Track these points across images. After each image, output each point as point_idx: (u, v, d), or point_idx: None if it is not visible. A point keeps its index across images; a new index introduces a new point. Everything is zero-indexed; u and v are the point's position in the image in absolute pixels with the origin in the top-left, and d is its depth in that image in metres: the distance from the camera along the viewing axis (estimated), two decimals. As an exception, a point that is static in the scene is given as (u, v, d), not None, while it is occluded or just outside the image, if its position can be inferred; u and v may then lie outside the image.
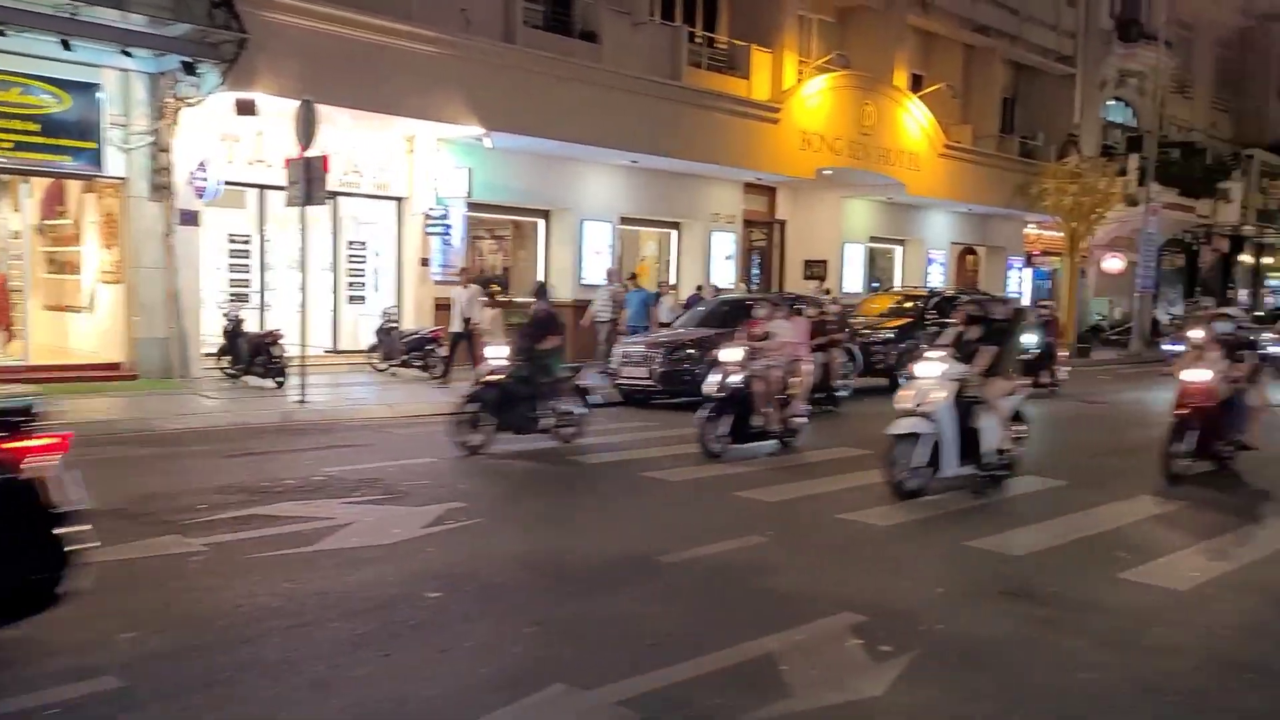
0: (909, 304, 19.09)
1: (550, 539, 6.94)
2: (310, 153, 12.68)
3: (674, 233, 22.26)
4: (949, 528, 7.56)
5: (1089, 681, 4.68)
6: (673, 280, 22.12)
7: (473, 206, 18.06)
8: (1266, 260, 46.31)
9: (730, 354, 10.41)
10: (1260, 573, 6.63)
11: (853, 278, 25.67)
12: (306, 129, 12.62)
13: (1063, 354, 18.63)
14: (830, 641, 5.09)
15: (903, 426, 8.28)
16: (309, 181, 12.55)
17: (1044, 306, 19.87)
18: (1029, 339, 17.10)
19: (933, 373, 8.43)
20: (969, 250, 31.21)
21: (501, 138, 16.88)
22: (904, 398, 8.60)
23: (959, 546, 7.05)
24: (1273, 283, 51.67)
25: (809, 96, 21.92)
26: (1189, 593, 6.16)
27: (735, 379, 10.19)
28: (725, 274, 22.45)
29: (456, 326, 15.41)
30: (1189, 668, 4.93)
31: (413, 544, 6.56)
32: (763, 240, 24.81)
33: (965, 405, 8.43)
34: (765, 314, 10.97)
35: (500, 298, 18.23)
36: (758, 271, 24.80)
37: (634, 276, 17.30)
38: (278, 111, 13.82)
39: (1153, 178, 31.35)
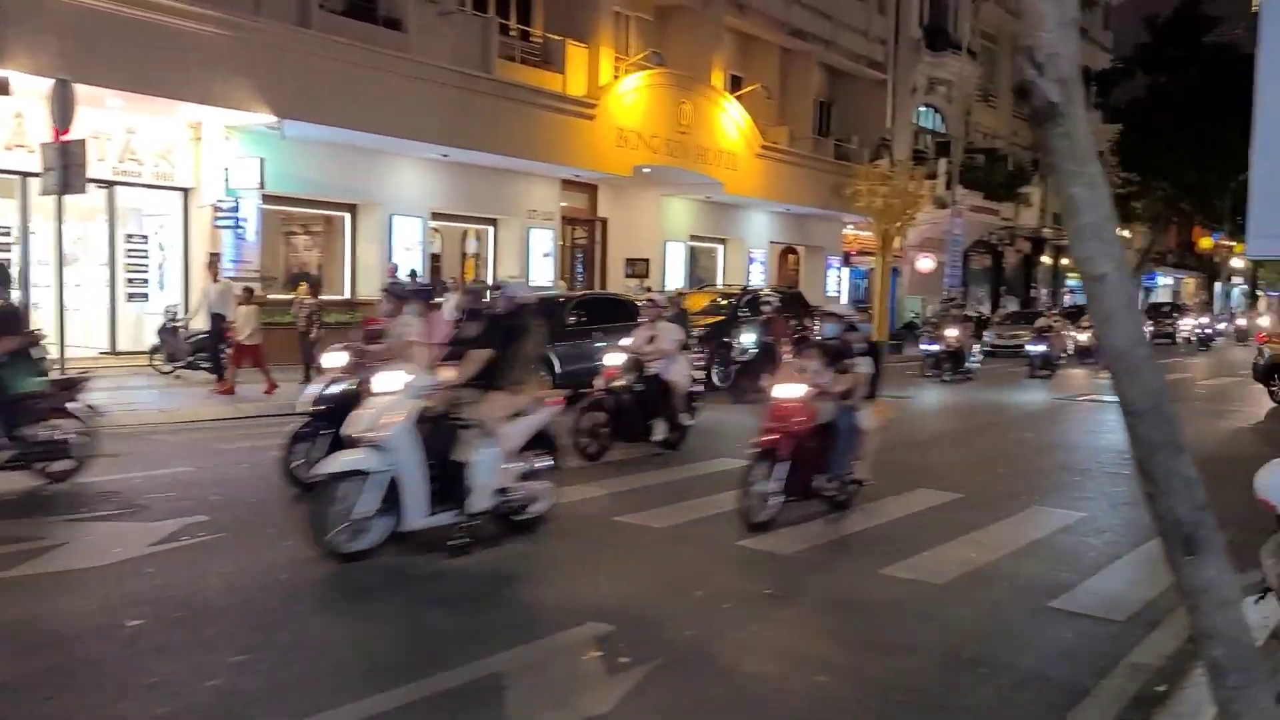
0: (724, 302, 19.23)
1: (296, 552, 6.41)
2: (69, 136, 11.63)
3: (491, 229, 21.75)
4: (726, 529, 7.43)
5: (822, 685, 4.56)
6: (490, 278, 21.66)
7: (270, 199, 17.08)
8: (1065, 261, 49.41)
9: (332, 359, 8.14)
10: (1015, 564, 6.74)
11: (675, 276, 25.76)
12: (63, 111, 11.59)
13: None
14: (567, 656, 4.81)
15: (338, 463, 6.05)
16: (66, 168, 11.52)
17: (765, 302, 17.77)
18: (748, 338, 16.80)
19: (392, 385, 6.26)
20: (790, 250, 31.92)
21: (297, 127, 16.01)
22: (356, 420, 6.25)
23: (732, 547, 6.91)
24: (1072, 282, 55.29)
25: (625, 94, 21.82)
26: (946, 585, 6.19)
27: (336, 389, 7.85)
28: (544, 272, 22.10)
29: (202, 323, 14.48)
30: (926, 664, 4.88)
31: (131, 565, 5.93)
32: (584, 238, 24.60)
33: (446, 430, 6.40)
34: (389, 309, 8.51)
35: (310, 294, 17.25)
36: (582, 270, 24.59)
37: (413, 274, 16.09)
38: (38, 92, 12.66)
39: (959, 182, 32.92)
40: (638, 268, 24.55)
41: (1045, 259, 46.72)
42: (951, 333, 20.08)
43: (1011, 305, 42.09)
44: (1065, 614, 5.67)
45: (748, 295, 19.37)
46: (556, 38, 21.70)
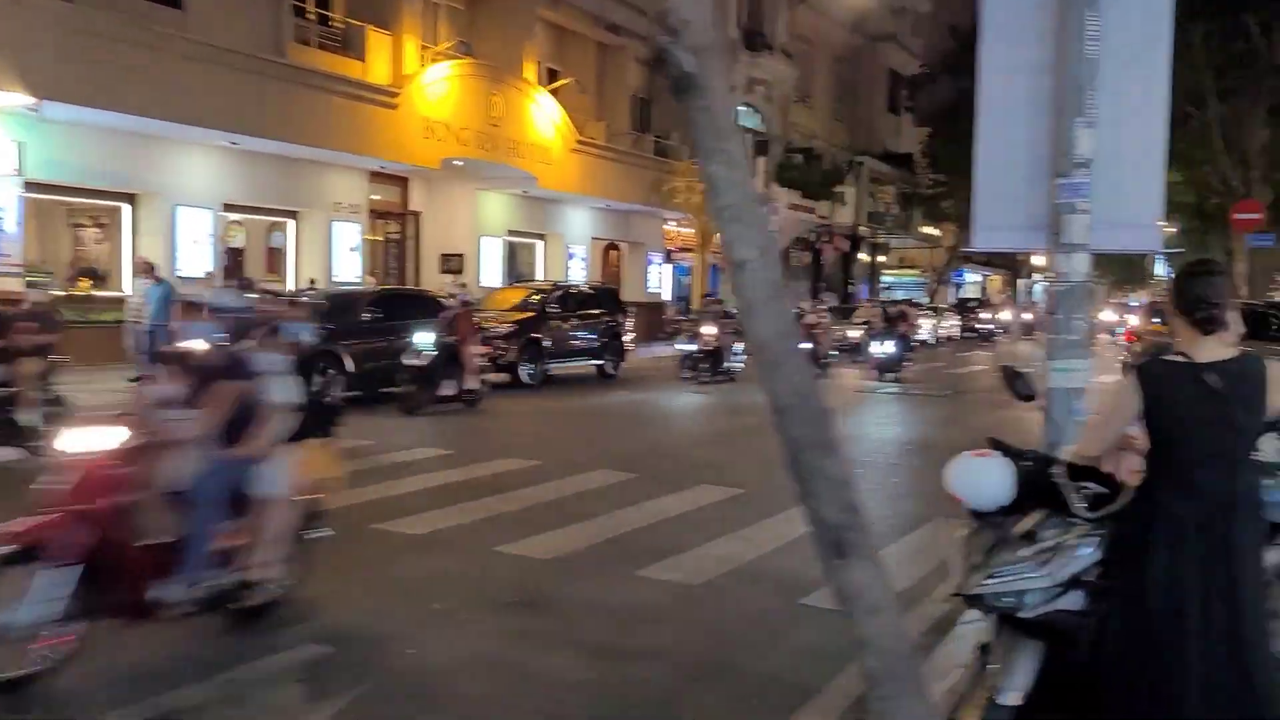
0: (536, 297, 18.89)
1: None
2: None
3: (291, 223, 20.69)
4: (489, 531, 7.09)
5: (549, 701, 4.28)
6: (292, 274, 20.63)
7: (37, 188, 15.68)
8: (881, 258, 51.41)
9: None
10: (779, 560, 6.67)
11: (491, 272, 25.23)
12: None
13: (480, 357, 14.61)
14: (269, 685, 4.38)
15: None
16: None
17: (451, 296, 16.18)
18: (423, 339, 13.70)
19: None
20: (612, 246, 31.84)
21: (60, 109, 14.72)
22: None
23: (489, 553, 6.59)
24: (888, 279, 57.60)
25: (432, 83, 21.15)
26: (704, 585, 6.04)
27: None
28: (351, 267, 21.22)
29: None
30: (665, 672, 4.69)
31: None
32: (396, 233, 23.77)
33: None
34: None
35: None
36: (396, 265, 23.77)
37: (151, 268, 14.35)
38: None
39: (778, 180, 33.70)
40: (452, 263, 23.92)
41: (863, 256, 48.39)
42: (709, 331, 18.57)
43: (830, 301, 43.39)
44: (815, 611, 5.59)
45: (558, 291, 19.10)
46: (357, 23, 20.82)
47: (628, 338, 19.97)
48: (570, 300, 19.02)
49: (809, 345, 19.50)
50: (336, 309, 14.55)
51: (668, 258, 33.74)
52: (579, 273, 28.21)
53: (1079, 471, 3.30)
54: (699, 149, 2.40)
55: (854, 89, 46.00)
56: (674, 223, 32.50)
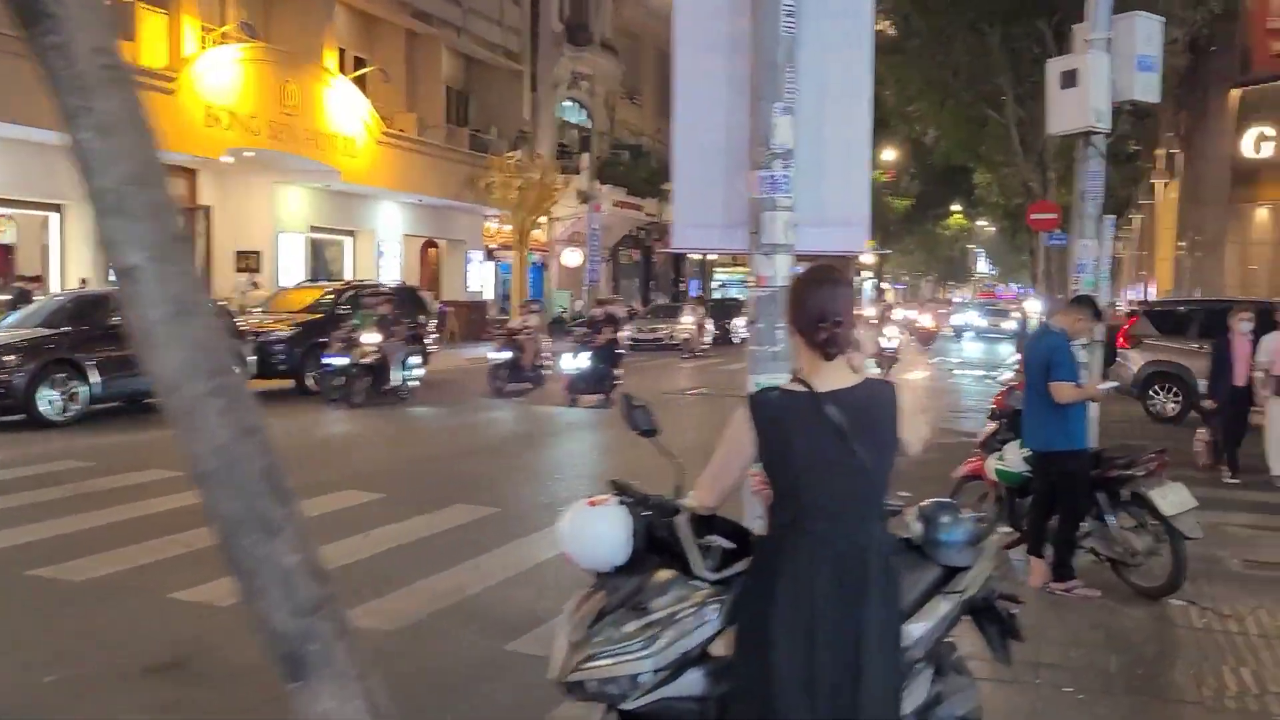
0: (329, 298, 17.70)
1: None
2: None
3: (55, 216, 18.82)
4: (173, 572, 6.15)
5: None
6: (56, 272, 18.80)
7: None
8: (712, 256, 51.70)
9: None
10: (504, 593, 5.99)
11: (292, 270, 23.74)
12: None
13: None
14: None
15: None
16: None
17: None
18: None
19: None
20: (430, 243, 30.67)
21: None
22: None
23: (162, 602, 5.66)
24: (721, 277, 58.14)
25: (215, 67, 19.61)
26: (401, 631, 5.30)
27: None
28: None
29: None
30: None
31: None
32: (183, 229, 22.03)
33: None
34: None
35: None
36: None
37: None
38: None
39: (598, 176, 33.19)
40: (249, 261, 22.40)
41: (695, 255, 48.55)
42: (370, 340, 14.78)
43: (661, 299, 43.33)
44: (520, 657, 4.94)
45: (350, 290, 17.95)
46: (126, 0, 19.09)
47: (430, 340, 18.98)
48: (365, 301, 17.90)
49: (509, 354, 16.16)
50: (80, 312, 13.09)
51: (489, 256, 32.81)
52: (392, 271, 26.95)
53: (708, 522, 2.72)
54: (59, 108, 1.65)
55: (682, 87, 46.00)
56: (497, 220, 31.62)
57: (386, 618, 5.48)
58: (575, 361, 15.65)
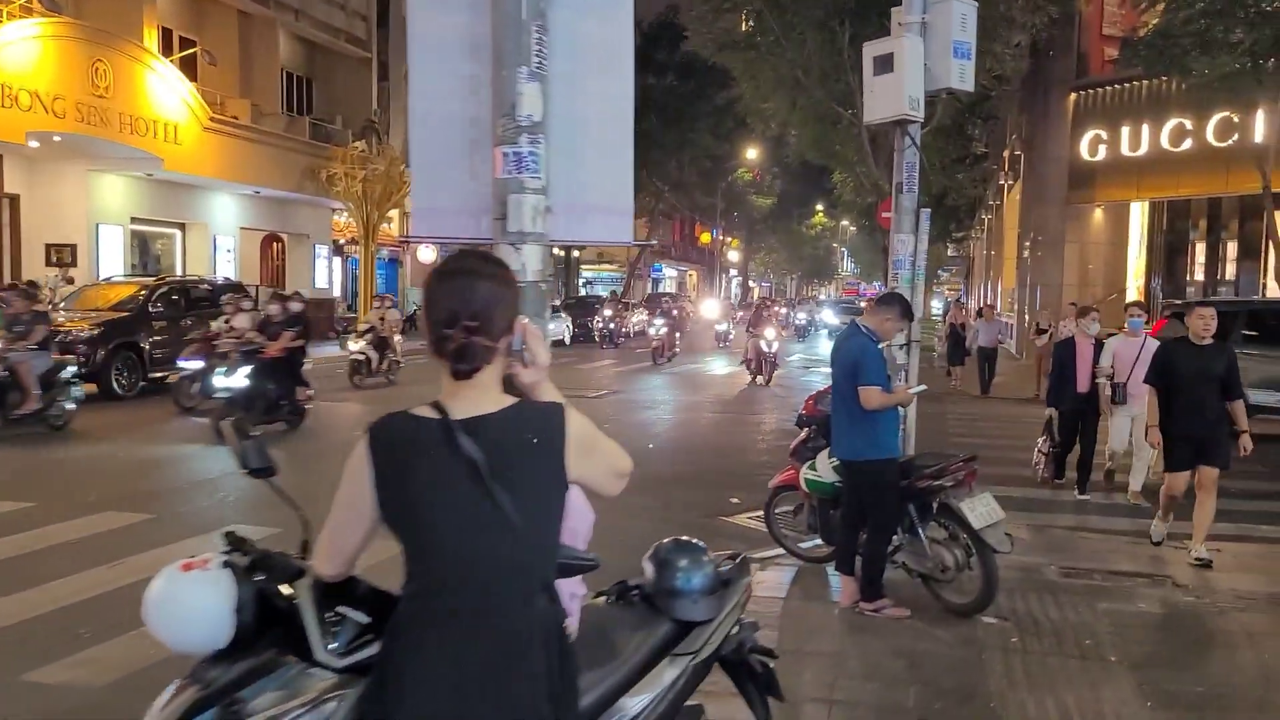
0: (143, 294, 16.37)
1: None
2: None
3: None
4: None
5: None
6: None
7: None
8: (575, 253, 51.14)
9: None
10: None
11: (113, 264, 22.02)
12: None
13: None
14: None
15: None
16: None
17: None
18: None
19: None
20: (274, 237, 29.12)
21: None
22: None
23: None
24: (587, 274, 57.73)
25: (10, 43, 17.91)
26: (109, 687, 4.50)
27: None
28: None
29: None
30: None
31: None
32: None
33: None
34: None
35: None
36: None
37: None
38: None
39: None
40: (62, 254, 20.68)
41: (557, 251, 47.93)
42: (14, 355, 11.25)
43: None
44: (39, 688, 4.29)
45: (165, 287, 16.65)
46: (-93, -35, 17.28)
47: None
48: (184, 298, 16.66)
49: (198, 364, 12.69)
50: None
51: (338, 250, 31.43)
52: (227, 266, 25.40)
53: (343, 587, 2.09)
54: None
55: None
56: (347, 214, 30.28)
57: (97, 671, 4.67)
58: (229, 380, 11.36)
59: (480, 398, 1.87)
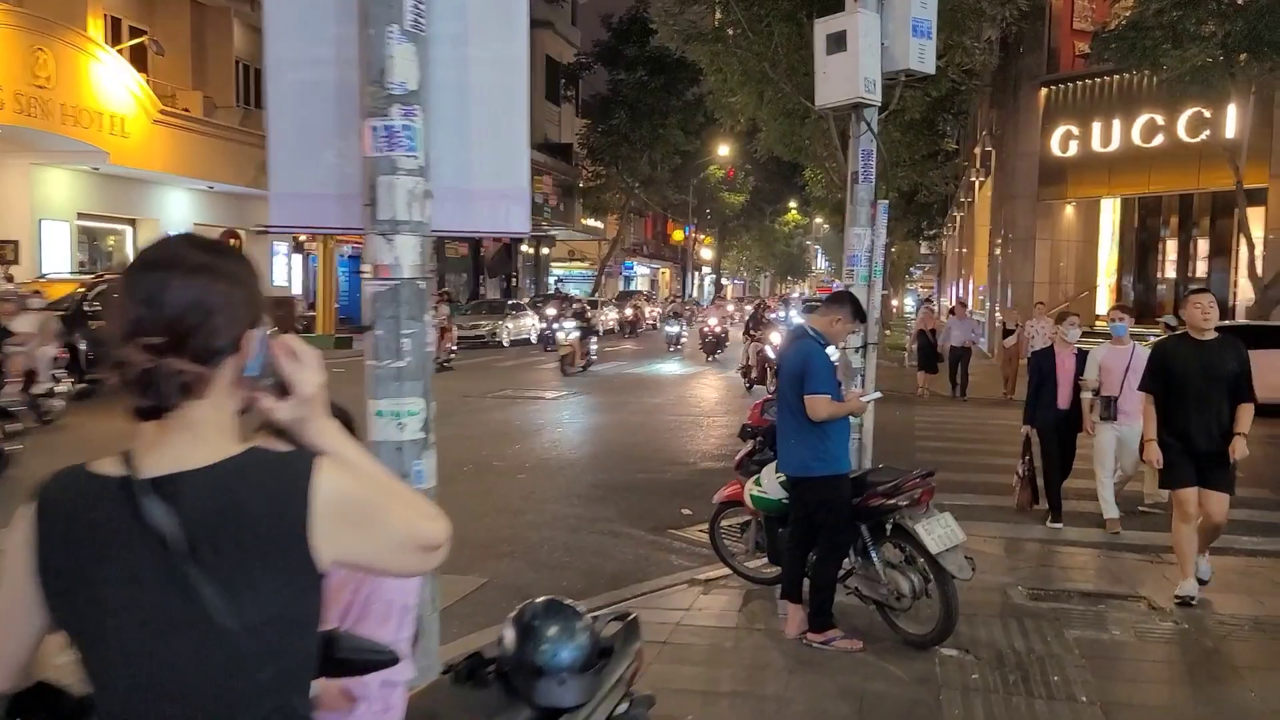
0: (79, 293, 15.69)
1: None
2: None
3: None
4: None
5: None
6: None
7: None
8: (545, 250, 50.52)
9: None
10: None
11: (57, 261, 21.25)
12: None
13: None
14: None
15: None
16: None
17: None
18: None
19: None
20: (231, 234, 28.30)
21: None
22: None
23: None
24: (558, 272, 56.99)
25: (-56, 30, 17.16)
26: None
27: None
28: None
29: None
30: None
31: None
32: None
33: None
34: None
35: None
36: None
37: None
38: None
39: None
40: (4, 251, 19.91)
41: (526, 248, 47.23)
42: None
43: (494, 294, 41.87)
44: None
45: (103, 284, 15.95)
46: None
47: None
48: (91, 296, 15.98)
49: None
50: None
51: (298, 248, 30.66)
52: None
53: (34, 704, 1.52)
54: None
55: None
56: (304, 209, 29.53)
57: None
58: None
59: (187, 446, 1.32)
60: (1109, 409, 7.35)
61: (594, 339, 21.89)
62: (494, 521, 7.88)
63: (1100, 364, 7.47)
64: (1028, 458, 8.02)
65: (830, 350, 5.01)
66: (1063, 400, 7.65)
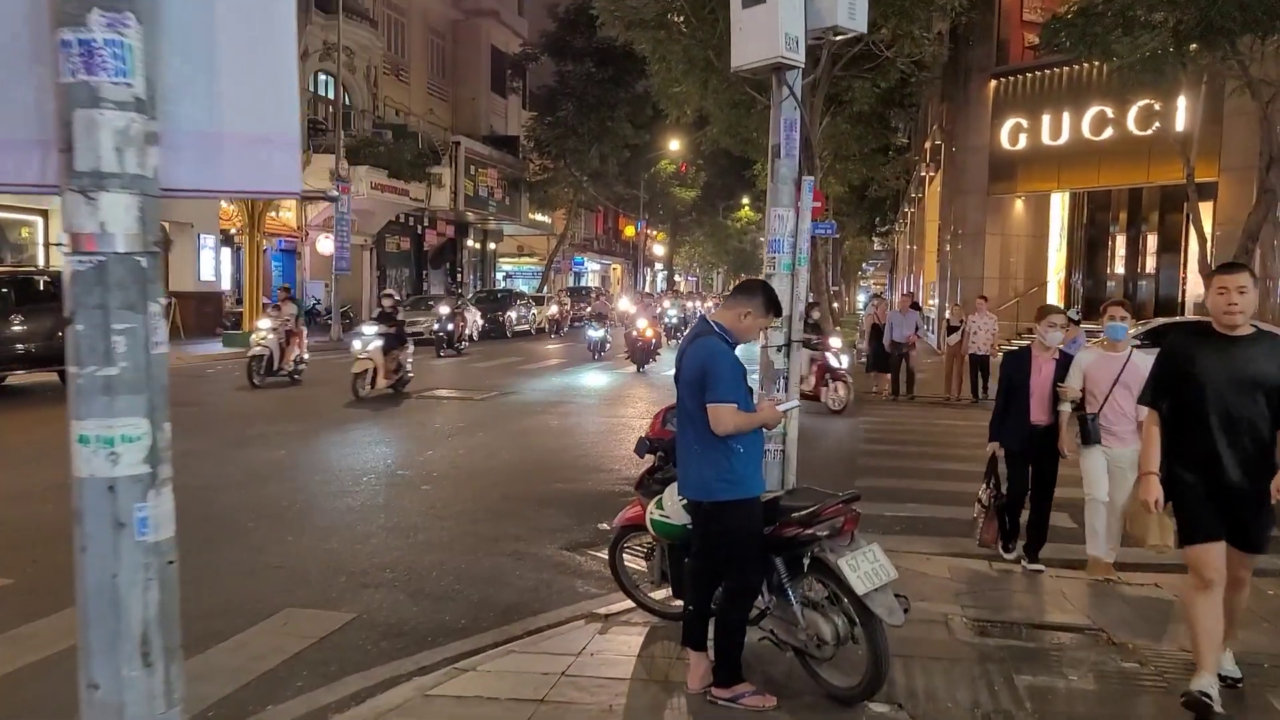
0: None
1: None
2: None
3: None
4: None
5: None
6: None
7: None
8: (492, 245, 49.40)
9: None
10: None
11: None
12: None
13: None
14: None
15: None
16: None
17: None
18: None
19: None
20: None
21: None
22: None
23: None
24: (507, 267, 55.89)
25: None
26: None
27: None
28: None
29: None
30: None
31: None
32: None
33: None
34: None
35: None
36: None
37: None
38: None
39: (353, 156, 30.32)
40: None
41: (472, 242, 46.15)
42: None
43: (437, 289, 40.71)
44: None
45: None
46: None
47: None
48: (16, 292, 14.83)
49: None
50: None
51: (226, 240, 29.40)
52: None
53: None
54: None
55: (455, 66, 43.49)
56: (230, 202, 28.28)
57: None
58: None
59: None
60: (1090, 429, 5.98)
61: (408, 350, 15.88)
62: (381, 543, 7.00)
63: (1085, 371, 6.05)
64: (992, 480, 6.41)
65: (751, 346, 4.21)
66: (1036, 414, 6.20)
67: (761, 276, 5.46)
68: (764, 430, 4.26)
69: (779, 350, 5.49)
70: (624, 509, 5.20)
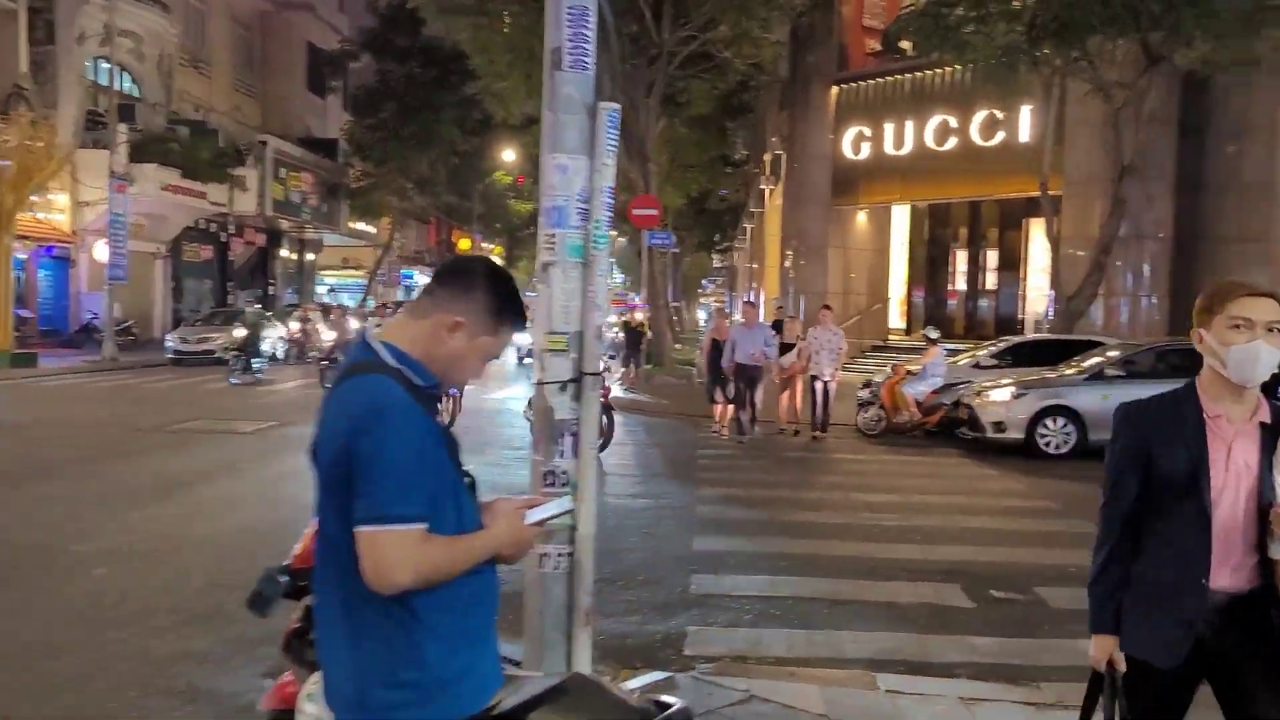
0: None
1: None
2: None
3: None
4: None
5: None
6: None
7: None
8: (311, 256, 45.78)
9: None
10: None
11: None
12: None
13: None
14: None
15: None
16: None
17: None
18: None
19: None
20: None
21: None
22: None
23: None
24: (330, 280, 52.06)
25: None
26: None
27: None
28: None
29: None
30: None
31: None
32: None
33: None
34: None
35: None
36: None
37: None
38: None
39: (137, 153, 26.80)
40: None
41: (286, 252, 42.52)
42: None
43: (244, 302, 36.99)
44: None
45: None
46: None
47: None
48: None
49: None
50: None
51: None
52: None
53: None
54: None
55: (266, 61, 39.97)
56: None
57: None
58: None
59: None
60: None
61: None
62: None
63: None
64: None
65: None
66: (1220, 569, 2.45)
67: (539, 266, 3.38)
68: (494, 568, 2.11)
69: (563, 389, 3.39)
70: (275, 684, 2.96)
